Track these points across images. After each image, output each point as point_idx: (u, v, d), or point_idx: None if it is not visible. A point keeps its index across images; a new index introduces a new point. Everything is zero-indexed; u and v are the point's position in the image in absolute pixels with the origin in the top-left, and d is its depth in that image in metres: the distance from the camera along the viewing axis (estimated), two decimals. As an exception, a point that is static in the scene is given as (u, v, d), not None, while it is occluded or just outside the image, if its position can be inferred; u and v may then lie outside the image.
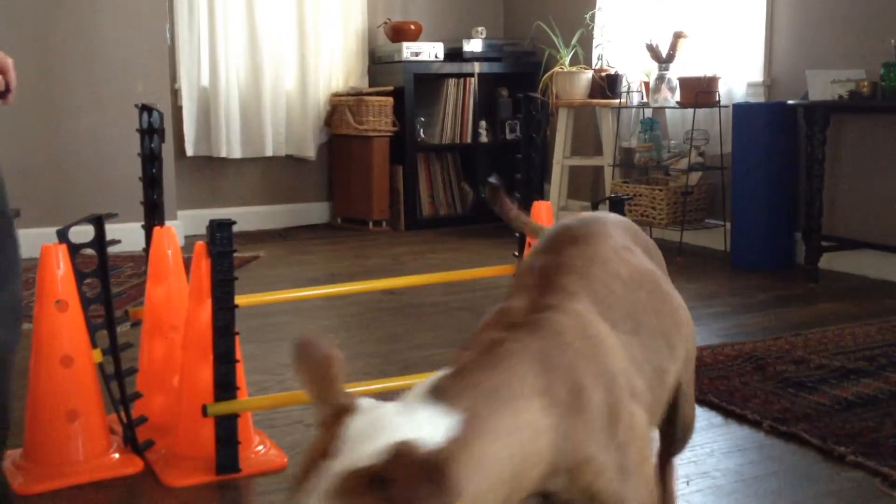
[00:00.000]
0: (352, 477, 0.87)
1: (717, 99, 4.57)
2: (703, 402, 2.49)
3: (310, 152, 5.67)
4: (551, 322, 1.10)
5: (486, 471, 0.97)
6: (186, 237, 5.03)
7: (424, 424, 0.95)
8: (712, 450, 2.19)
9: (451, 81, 5.72)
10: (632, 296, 1.25)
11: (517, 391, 1.02)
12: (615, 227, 1.37)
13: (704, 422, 2.37)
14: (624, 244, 1.34)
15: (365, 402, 0.98)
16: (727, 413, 2.41)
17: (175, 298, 2.27)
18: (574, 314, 1.13)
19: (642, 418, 1.15)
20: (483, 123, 5.82)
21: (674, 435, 1.58)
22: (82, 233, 2.00)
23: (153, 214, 2.77)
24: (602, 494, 1.10)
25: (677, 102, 4.69)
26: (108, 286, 2.05)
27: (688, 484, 2.00)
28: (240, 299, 2.05)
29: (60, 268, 2.01)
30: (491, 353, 1.06)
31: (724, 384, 2.61)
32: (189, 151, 5.37)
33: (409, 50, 5.50)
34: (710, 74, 4.56)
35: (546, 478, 1.06)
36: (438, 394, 0.99)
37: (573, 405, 1.06)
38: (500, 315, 1.15)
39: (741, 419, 2.37)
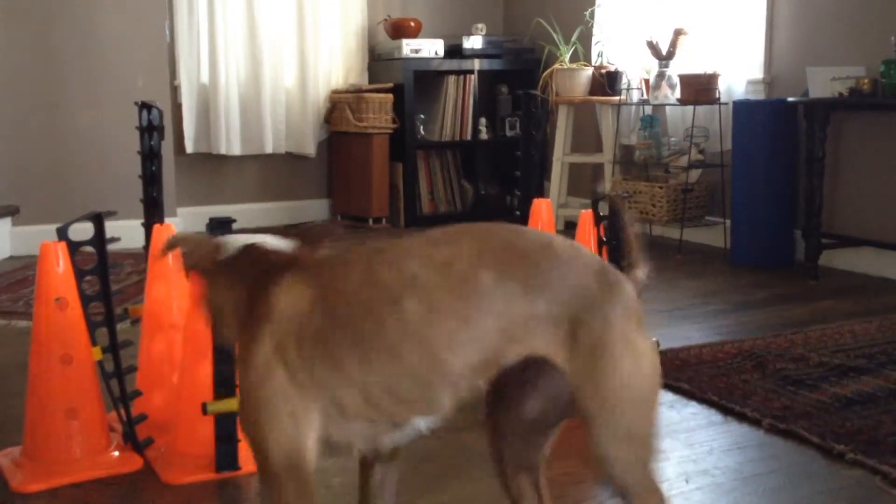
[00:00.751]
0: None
1: (718, 96, 4.56)
2: (702, 400, 2.49)
3: (309, 149, 5.67)
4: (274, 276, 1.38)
5: None
6: (186, 234, 5.03)
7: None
8: (712, 448, 2.19)
9: (451, 78, 5.71)
10: (369, 297, 1.34)
11: None
12: (477, 250, 1.35)
13: (704, 419, 2.37)
14: (446, 261, 1.34)
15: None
16: (727, 411, 2.41)
17: (175, 296, 2.27)
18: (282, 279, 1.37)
19: (269, 378, 1.33)
20: (483, 120, 5.82)
21: None
22: (82, 230, 2.00)
23: (153, 212, 2.77)
24: None
25: (677, 99, 4.69)
26: (108, 284, 2.05)
27: (687, 482, 2.00)
28: (239, 297, 2.04)
29: (60, 265, 2.01)
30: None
31: (724, 382, 2.61)
32: (189, 148, 5.36)
33: (408, 47, 5.50)
34: (710, 71, 4.56)
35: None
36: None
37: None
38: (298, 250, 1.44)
39: (741, 417, 2.37)
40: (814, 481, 2.00)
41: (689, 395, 2.53)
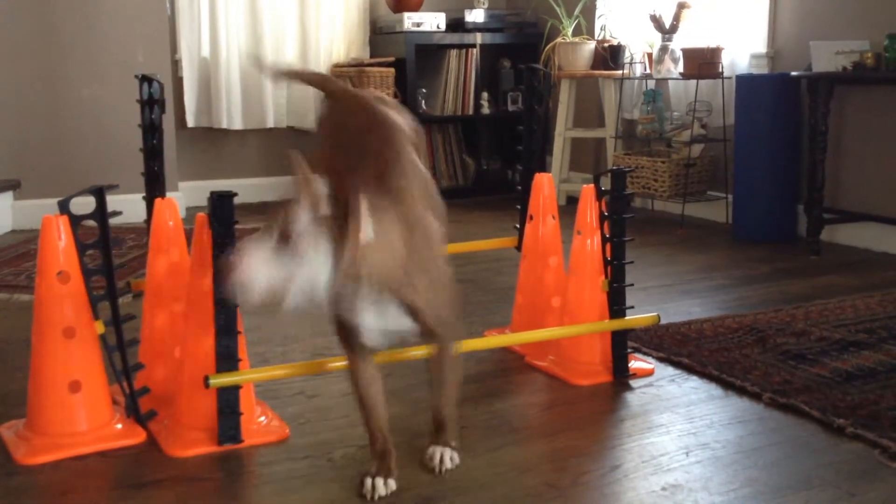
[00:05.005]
0: None
1: (721, 70, 4.54)
2: (703, 374, 2.50)
3: (311, 123, 5.65)
4: None
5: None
6: (188, 209, 5.03)
7: None
8: (712, 421, 2.20)
9: (453, 52, 5.69)
10: None
11: None
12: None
13: (704, 393, 2.38)
14: None
15: None
16: (727, 385, 2.42)
17: (177, 270, 2.27)
18: None
19: None
20: (485, 95, 5.80)
21: None
22: (83, 204, 2.00)
23: (154, 186, 2.76)
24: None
25: (680, 74, 4.67)
26: (110, 257, 2.05)
27: (687, 455, 2.01)
28: (241, 271, 2.04)
29: (62, 239, 2.01)
30: None
31: (725, 356, 2.61)
32: (190, 122, 5.35)
33: (410, 20, 5.47)
34: (713, 45, 4.54)
35: None
36: None
37: None
38: None
39: (741, 391, 2.38)
40: (814, 455, 2.01)
41: (690, 369, 2.54)
